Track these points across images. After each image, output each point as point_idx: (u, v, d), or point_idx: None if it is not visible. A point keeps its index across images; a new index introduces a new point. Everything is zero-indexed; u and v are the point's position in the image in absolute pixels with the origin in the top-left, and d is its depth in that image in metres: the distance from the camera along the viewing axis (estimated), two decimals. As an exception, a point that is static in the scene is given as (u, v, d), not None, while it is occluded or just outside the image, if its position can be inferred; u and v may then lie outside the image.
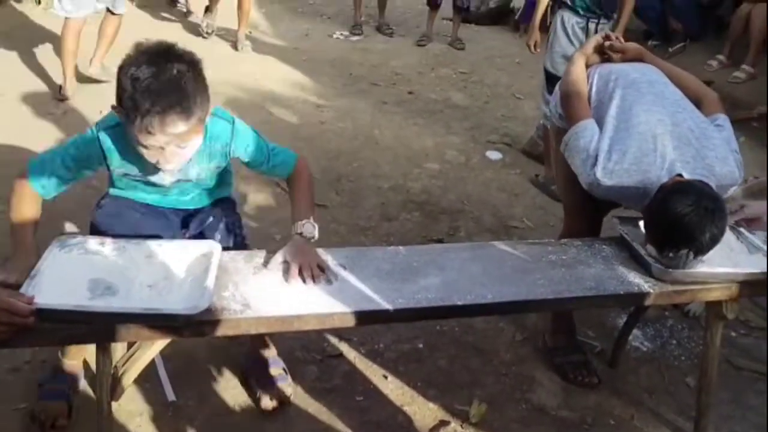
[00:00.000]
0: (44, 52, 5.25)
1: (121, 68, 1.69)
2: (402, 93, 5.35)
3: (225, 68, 5.32)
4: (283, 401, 2.27)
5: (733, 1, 6.39)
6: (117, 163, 1.89)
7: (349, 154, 4.23)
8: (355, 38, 6.66)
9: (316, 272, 1.83)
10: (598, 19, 3.75)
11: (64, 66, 4.46)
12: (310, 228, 1.94)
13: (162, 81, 1.64)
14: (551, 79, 3.81)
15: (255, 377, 2.32)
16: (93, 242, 1.77)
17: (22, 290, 1.54)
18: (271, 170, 2.08)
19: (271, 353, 2.37)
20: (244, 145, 1.98)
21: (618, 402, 2.47)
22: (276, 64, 5.18)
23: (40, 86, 4.62)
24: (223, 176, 2.13)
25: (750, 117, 5.32)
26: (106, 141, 1.84)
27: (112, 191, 2.06)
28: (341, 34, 6.75)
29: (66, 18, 4.37)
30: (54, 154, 1.87)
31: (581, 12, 3.74)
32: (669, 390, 2.55)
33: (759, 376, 2.64)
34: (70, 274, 1.65)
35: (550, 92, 3.77)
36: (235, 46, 5.85)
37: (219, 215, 2.13)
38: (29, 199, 1.83)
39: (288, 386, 2.30)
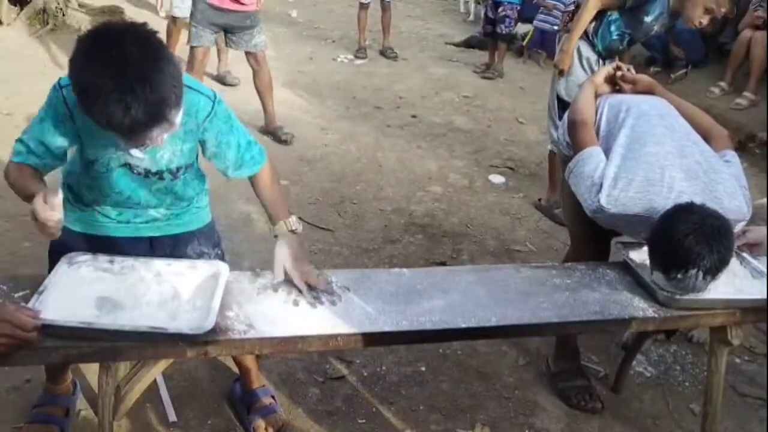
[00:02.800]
0: (50, 74, 5.29)
1: (75, 72, 1.45)
2: (405, 116, 5.38)
3: (228, 90, 5.37)
4: (278, 431, 2.24)
5: (734, 28, 6.44)
6: (82, 123, 1.64)
7: (353, 176, 4.25)
8: (359, 62, 6.71)
9: (318, 279, 1.83)
10: (614, 59, 3.74)
11: None
12: (298, 223, 1.89)
13: (140, 113, 1.41)
14: (566, 106, 3.78)
15: (247, 408, 2.28)
16: (102, 260, 1.77)
17: (29, 304, 1.55)
18: (238, 168, 1.87)
19: (260, 383, 2.32)
20: (217, 129, 1.77)
21: (621, 428, 2.45)
22: (280, 86, 5.20)
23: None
24: (196, 197, 1.95)
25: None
26: (71, 96, 1.59)
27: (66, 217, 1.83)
28: (345, 57, 6.80)
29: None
30: (31, 125, 1.71)
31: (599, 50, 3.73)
32: (673, 416, 2.53)
33: (763, 402, 2.62)
34: (77, 291, 1.65)
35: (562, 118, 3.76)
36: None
37: (195, 248, 1.98)
38: (29, 174, 1.69)
39: (279, 416, 2.27)
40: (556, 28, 6.78)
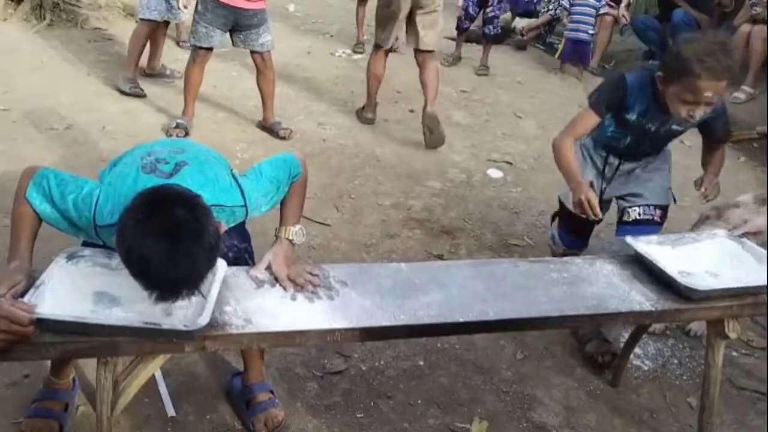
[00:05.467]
0: (48, 69, 5.29)
1: (123, 231, 1.52)
2: (403, 111, 5.37)
3: (227, 85, 5.37)
4: (276, 426, 2.23)
5: (731, 23, 6.44)
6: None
7: (351, 171, 4.24)
8: (357, 56, 6.69)
9: (308, 277, 1.86)
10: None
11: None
12: (301, 234, 1.96)
13: (175, 273, 1.49)
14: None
15: (246, 403, 2.28)
16: (101, 255, 1.77)
17: (25, 299, 1.55)
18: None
19: (260, 378, 2.32)
20: (259, 212, 1.91)
21: (619, 421, 2.46)
22: (278, 81, 5.19)
23: (43, 102, 4.65)
24: None
25: (750, 137, 5.34)
26: (104, 234, 1.72)
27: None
28: (343, 52, 6.79)
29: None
30: (55, 191, 1.75)
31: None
32: (671, 410, 2.54)
33: (760, 396, 2.63)
34: (75, 286, 1.66)
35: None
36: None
37: (225, 241, 1.99)
38: (30, 217, 1.76)
39: (279, 411, 2.26)
40: (591, 32, 6.61)
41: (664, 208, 2.73)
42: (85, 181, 1.78)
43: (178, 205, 1.52)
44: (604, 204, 2.75)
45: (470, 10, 6.54)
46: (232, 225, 1.85)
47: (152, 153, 1.83)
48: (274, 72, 4.58)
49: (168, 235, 1.47)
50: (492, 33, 6.55)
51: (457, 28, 6.79)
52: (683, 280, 1.97)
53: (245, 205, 1.82)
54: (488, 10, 6.45)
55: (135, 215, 1.51)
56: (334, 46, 6.97)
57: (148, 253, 1.46)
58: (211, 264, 1.58)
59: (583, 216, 2.38)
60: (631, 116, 2.55)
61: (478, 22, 7.60)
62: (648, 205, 2.70)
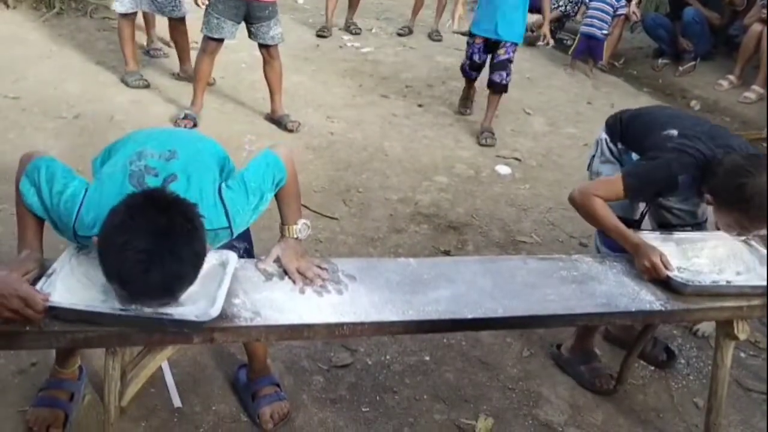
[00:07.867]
0: (57, 58, 5.29)
1: (106, 235, 1.51)
2: (412, 105, 5.36)
3: (235, 77, 5.36)
4: (281, 419, 2.24)
5: (743, 21, 6.40)
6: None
7: (358, 165, 4.23)
8: (366, 50, 6.68)
9: (317, 271, 1.86)
10: None
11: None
12: (305, 229, 1.96)
13: (156, 279, 1.47)
14: None
15: (251, 395, 2.29)
16: None
17: (37, 287, 1.56)
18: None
19: (266, 371, 2.33)
20: (245, 226, 1.86)
21: (625, 421, 2.45)
22: (286, 74, 5.19)
23: (52, 91, 4.65)
24: None
25: (760, 137, 5.32)
26: (83, 243, 1.69)
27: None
28: (352, 45, 6.77)
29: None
30: (44, 186, 1.71)
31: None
32: (677, 410, 2.53)
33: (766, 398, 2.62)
34: (86, 275, 1.66)
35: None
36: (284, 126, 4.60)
37: (227, 245, 1.97)
38: (30, 225, 1.77)
39: (284, 404, 2.27)
40: (604, 32, 6.54)
41: None
42: (73, 178, 1.73)
43: (174, 208, 1.51)
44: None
45: (476, 57, 4.85)
46: (215, 247, 1.79)
47: (143, 155, 1.76)
48: (281, 63, 4.57)
49: (160, 233, 1.46)
50: (503, 82, 4.74)
51: (466, 77, 5.16)
52: (673, 275, 1.97)
53: (229, 227, 1.77)
54: (500, 51, 4.69)
55: (129, 210, 1.49)
56: (343, 38, 6.94)
57: (137, 246, 1.44)
58: (194, 275, 1.55)
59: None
60: (663, 201, 2.41)
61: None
62: None
